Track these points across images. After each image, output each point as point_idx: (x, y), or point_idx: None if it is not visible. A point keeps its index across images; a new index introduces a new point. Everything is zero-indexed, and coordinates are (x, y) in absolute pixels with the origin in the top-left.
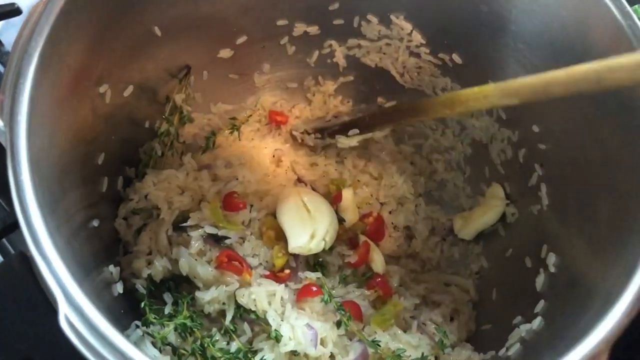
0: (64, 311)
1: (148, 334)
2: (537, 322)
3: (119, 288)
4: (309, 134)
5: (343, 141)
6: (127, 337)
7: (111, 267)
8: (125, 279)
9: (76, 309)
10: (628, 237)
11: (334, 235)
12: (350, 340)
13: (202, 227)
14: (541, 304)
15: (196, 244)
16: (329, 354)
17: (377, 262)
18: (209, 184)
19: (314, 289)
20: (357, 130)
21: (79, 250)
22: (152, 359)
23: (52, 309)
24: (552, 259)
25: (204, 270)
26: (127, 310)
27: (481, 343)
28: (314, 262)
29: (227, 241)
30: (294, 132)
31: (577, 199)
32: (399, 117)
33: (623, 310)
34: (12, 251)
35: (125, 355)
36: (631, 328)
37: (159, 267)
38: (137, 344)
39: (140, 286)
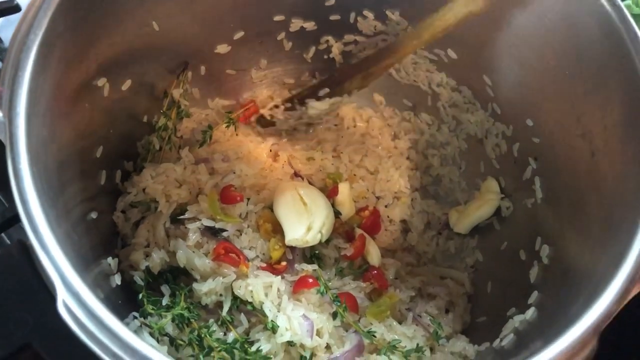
0: (62, 297)
1: (146, 324)
2: (530, 313)
3: (117, 279)
4: (277, 107)
5: (314, 105)
6: (127, 325)
7: (109, 259)
8: (124, 271)
9: (74, 295)
10: (617, 227)
11: (330, 228)
12: (346, 331)
13: (200, 220)
14: (534, 295)
15: (193, 237)
16: (325, 345)
17: (373, 255)
18: (206, 177)
19: (310, 280)
20: (327, 90)
21: (78, 242)
22: (150, 346)
23: (51, 297)
24: (545, 251)
25: (201, 262)
26: (125, 301)
27: (476, 335)
28: (311, 254)
29: (224, 234)
30: (262, 111)
31: (569, 191)
32: (368, 64)
33: (611, 298)
34: None
35: (123, 341)
36: (620, 315)
37: (157, 259)
38: (135, 333)
39: (138, 278)
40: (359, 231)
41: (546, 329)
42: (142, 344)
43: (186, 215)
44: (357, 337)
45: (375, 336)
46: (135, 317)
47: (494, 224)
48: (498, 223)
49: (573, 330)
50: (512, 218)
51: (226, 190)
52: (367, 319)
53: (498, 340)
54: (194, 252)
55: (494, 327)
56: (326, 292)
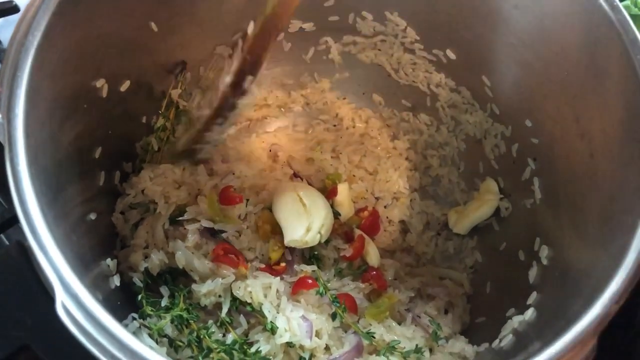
0: (61, 298)
1: (145, 326)
2: (529, 313)
3: (116, 281)
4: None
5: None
6: (125, 326)
7: (108, 260)
8: (123, 272)
9: (73, 296)
10: (616, 228)
11: (329, 229)
12: (345, 332)
13: (199, 221)
14: (533, 296)
15: (192, 238)
16: (324, 346)
17: (372, 256)
18: (205, 179)
19: (310, 281)
20: (252, 77)
21: (77, 243)
22: (149, 347)
23: (49, 298)
24: (544, 251)
25: (200, 264)
26: (124, 303)
27: (475, 335)
28: (310, 255)
29: (224, 235)
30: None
31: (568, 192)
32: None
33: (610, 298)
34: None
35: (122, 343)
36: (620, 315)
37: (156, 260)
38: (134, 334)
39: (137, 279)
40: (358, 232)
41: (545, 330)
42: (141, 345)
43: (185, 217)
44: (357, 338)
45: (374, 337)
46: (134, 319)
47: (493, 225)
48: (497, 223)
49: (572, 330)
50: (511, 218)
51: (225, 192)
52: (366, 319)
53: (497, 340)
54: (193, 253)
55: (493, 327)
56: (325, 292)
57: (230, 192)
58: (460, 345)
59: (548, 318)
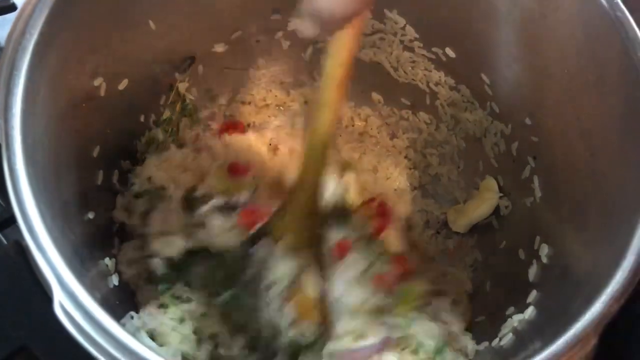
0: (59, 298)
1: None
2: (529, 312)
3: (114, 280)
4: None
5: None
6: (123, 325)
7: (107, 260)
8: (121, 271)
9: (71, 296)
10: (616, 227)
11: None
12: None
13: (212, 199)
14: (533, 294)
15: (212, 216)
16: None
17: (395, 241)
18: (209, 162)
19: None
20: None
21: (75, 242)
22: (148, 347)
23: (47, 298)
24: (544, 250)
25: (232, 236)
26: (122, 302)
27: (475, 334)
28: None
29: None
30: None
31: (569, 190)
32: None
33: (611, 297)
34: None
35: (121, 342)
36: (622, 313)
37: (176, 245)
38: (133, 335)
39: (158, 266)
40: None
41: (545, 329)
42: (140, 345)
43: (198, 194)
44: (385, 331)
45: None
46: (132, 317)
47: (493, 223)
48: (497, 222)
49: (573, 329)
50: (511, 217)
51: (233, 165)
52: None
53: (497, 339)
54: (222, 232)
55: (493, 326)
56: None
57: (238, 164)
58: (466, 341)
59: (548, 317)
